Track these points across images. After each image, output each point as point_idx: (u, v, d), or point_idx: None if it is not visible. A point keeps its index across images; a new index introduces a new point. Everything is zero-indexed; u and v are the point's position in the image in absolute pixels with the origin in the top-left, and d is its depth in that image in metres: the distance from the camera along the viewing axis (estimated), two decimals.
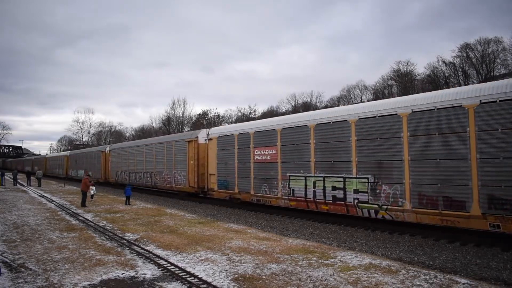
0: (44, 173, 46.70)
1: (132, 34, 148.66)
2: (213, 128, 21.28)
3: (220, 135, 19.15)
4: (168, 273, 7.43)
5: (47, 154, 76.32)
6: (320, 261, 8.10)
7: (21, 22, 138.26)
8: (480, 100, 9.33)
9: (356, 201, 12.10)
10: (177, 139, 24.02)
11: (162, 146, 25.27)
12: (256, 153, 16.56)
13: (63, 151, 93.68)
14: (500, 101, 8.99)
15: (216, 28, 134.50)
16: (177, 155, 23.35)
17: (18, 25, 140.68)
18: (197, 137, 21.48)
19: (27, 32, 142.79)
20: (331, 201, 12.97)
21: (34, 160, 74.45)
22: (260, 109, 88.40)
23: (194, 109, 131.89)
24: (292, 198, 14.49)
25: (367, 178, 11.78)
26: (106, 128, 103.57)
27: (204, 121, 71.88)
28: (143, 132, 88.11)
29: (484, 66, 47.18)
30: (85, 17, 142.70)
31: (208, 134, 20.35)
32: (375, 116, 11.69)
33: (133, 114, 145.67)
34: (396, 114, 11.12)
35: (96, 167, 37.91)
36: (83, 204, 18.73)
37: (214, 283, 6.72)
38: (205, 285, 6.64)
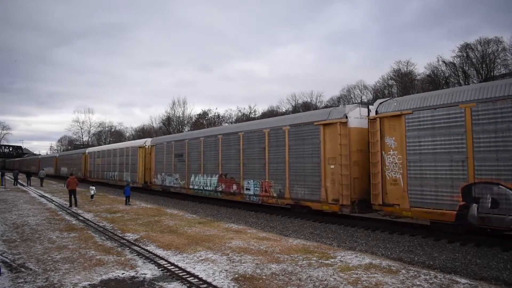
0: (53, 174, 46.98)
1: (129, 33, 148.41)
2: (89, 148, 36.31)
3: (157, 143, 26.68)
4: (168, 273, 7.43)
5: (58, 153, 71.95)
6: (320, 261, 8.10)
7: (17, 21, 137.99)
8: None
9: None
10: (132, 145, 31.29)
11: (116, 151, 33.31)
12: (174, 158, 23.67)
13: (63, 150, 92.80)
14: None
15: (213, 27, 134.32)
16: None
17: (14, 24, 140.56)
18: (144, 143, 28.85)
19: (24, 31, 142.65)
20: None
21: (42, 159, 69.16)
22: (260, 109, 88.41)
23: (194, 109, 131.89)
24: (189, 188, 21.65)
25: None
26: (106, 128, 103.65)
27: (204, 121, 71.88)
28: (143, 132, 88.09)
29: (484, 66, 47.14)
30: (81, 16, 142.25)
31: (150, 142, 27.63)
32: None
33: (132, 114, 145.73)
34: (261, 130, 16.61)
35: (130, 167, 30.24)
36: (76, 204, 18.72)
37: (214, 283, 6.72)
38: (205, 285, 6.64)
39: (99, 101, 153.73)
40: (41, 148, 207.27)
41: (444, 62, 49.79)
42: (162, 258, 8.46)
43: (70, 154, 52.43)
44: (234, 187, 17.78)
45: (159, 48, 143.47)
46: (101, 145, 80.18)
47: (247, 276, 7.09)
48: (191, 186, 21.23)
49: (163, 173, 24.58)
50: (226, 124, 65.04)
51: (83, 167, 42.88)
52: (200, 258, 8.47)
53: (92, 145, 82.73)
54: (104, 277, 7.17)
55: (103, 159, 36.68)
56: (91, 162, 40.63)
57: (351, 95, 64.72)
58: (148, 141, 28.08)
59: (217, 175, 18.99)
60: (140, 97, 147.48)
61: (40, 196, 25.18)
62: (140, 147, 28.13)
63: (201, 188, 20.32)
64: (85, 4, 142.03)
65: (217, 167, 19.11)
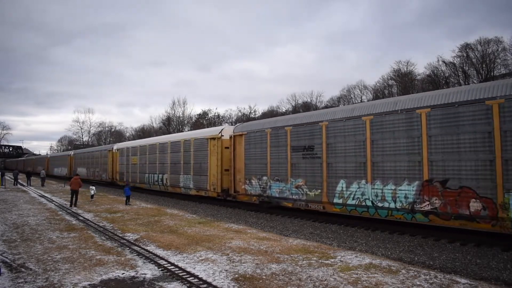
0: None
1: (128, 32, 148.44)
2: (118, 144, 33.10)
3: (123, 147, 28.38)
4: (168, 273, 7.43)
5: (72, 150, 58.64)
6: (320, 261, 8.10)
7: (14, 20, 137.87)
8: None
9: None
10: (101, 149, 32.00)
11: (165, 146, 25.05)
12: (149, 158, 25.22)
13: (67, 150, 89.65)
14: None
15: (212, 27, 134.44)
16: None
17: (11, 23, 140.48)
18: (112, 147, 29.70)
19: (21, 30, 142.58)
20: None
21: (51, 159, 61.40)
22: (260, 109, 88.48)
23: (194, 109, 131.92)
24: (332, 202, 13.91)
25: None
26: (106, 128, 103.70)
27: (204, 121, 71.90)
28: (143, 132, 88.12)
29: (484, 66, 47.16)
30: (79, 15, 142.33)
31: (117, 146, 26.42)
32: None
33: (131, 114, 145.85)
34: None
35: (192, 168, 21.21)
36: (75, 204, 18.71)
37: (214, 283, 6.72)
38: (205, 285, 6.64)
39: (98, 101, 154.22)
40: (41, 148, 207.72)
41: (444, 62, 49.87)
42: (162, 258, 8.46)
43: (90, 152, 42.33)
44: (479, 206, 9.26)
45: (158, 48, 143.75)
46: (101, 145, 79.59)
47: (247, 276, 7.09)
48: (338, 200, 12.72)
49: (265, 177, 15.87)
50: (226, 123, 64.97)
51: (109, 167, 34.17)
52: (200, 258, 8.47)
53: (118, 142, 69.37)
54: (104, 277, 7.17)
55: (142, 157, 27.82)
56: (122, 161, 31.55)
57: (351, 95, 64.81)
58: (228, 129, 19.32)
59: (418, 182, 10.53)
60: (139, 97, 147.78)
61: (40, 196, 25.18)
62: (212, 138, 19.48)
63: (377, 203, 11.55)
64: (83, 3, 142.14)
65: (417, 166, 10.56)
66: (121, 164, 31.96)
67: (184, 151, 22.00)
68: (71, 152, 50.33)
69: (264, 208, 16.68)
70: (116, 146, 35.17)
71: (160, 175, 25.07)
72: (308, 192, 13.85)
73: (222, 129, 19.50)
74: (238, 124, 19.04)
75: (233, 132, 18.19)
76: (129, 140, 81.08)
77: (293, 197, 14.50)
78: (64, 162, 50.86)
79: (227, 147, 18.62)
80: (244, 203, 17.87)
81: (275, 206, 15.94)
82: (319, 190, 13.37)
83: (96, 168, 38.29)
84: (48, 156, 66.62)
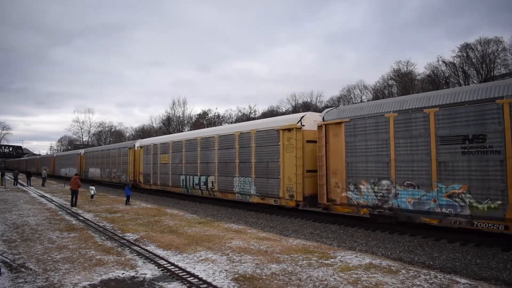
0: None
1: (127, 32, 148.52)
2: (142, 140, 29.90)
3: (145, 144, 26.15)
4: (168, 273, 7.43)
5: (83, 149, 51.20)
6: (320, 261, 8.11)
7: (14, 20, 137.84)
8: None
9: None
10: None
11: (210, 141, 19.96)
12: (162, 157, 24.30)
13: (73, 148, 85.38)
14: None
15: (212, 27, 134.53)
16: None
17: (11, 23, 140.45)
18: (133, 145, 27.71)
19: (21, 30, 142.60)
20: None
21: (57, 158, 56.00)
22: (260, 109, 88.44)
23: (194, 109, 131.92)
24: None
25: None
26: (106, 128, 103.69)
27: (204, 121, 71.91)
28: (143, 132, 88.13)
29: (484, 66, 47.18)
30: (79, 15, 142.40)
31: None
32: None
33: (131, 114, 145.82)
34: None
35: (265, 168, 15.88)
36: (75, 204, 18.71)
37: (214, 283, 6.72)
38: (205, 285, 6.64)
39: (97, 101, 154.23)
40: (41, 148, 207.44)
41: (444, 62, 49.89)
42: (162, 258, 8.46)
43: (105, 150, 36.89)
44: None
45: (157, 48, 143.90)
46: (101, 145, 79.10)
47: (247, 276, 7.10)
48: None
49: (385, 181, 11.42)
50: (226, 123, 64.89)
51: (130, 167, 29.52)
52: (200, 258, 8.47)
53: (137, 139, 53.47)
54: (104, 277, 7.17)
55: (176, 155, 22.99)
56: (147, 161, 26.82)
57: (351, 95, 64.82)
58: (311, 116, 14.98)
59: None
60: (139, 97, 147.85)
61: (40, 196, 25.17)
62: (286, 129, 14.79)
63: None
64: (83, 3, 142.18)
65: None
66: (146, 164, 27.01)
67: (241, 147, 17.32)
68: (81, 151, 45.86)
69: (263, 207, 16.50)
70: (138, 142, 29.71)
71: (203, 178, 20.08)
72: (474, 204, 9.38)
73: (302, 117, 14.68)
74: (330, 108, 14.00)
75: (323, 120, 13.43)
76: (129, 140, 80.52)
77: (443, 210, 9.98)
78: (73, 161, 46.00)
79: (310, 141, 14.23)
80: (285, 208, 15.23)
81: (402, 222, 11.35)
82: (498, 202, 8.98)
83: (112, 168, 33.51)
84: (54, 155, 61.08)
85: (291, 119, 15.17)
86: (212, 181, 19.26)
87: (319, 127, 13.48)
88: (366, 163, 11.91)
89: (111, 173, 33.71)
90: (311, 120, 14.55)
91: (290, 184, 14.46)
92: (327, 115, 13.46)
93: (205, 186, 19.84)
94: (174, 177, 23.14)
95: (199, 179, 20.42)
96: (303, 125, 14.39)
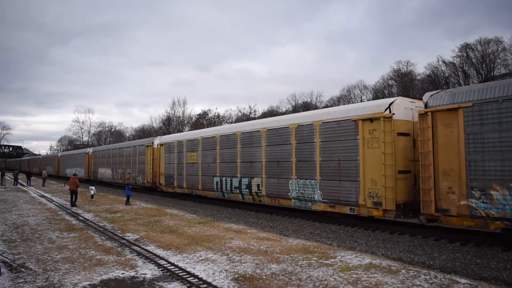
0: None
1: (127, 32, 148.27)
2: (163, 137, 26.14)
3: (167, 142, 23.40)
4: (168, 273, 7.43)
5: (91, 148, 47.08)
6: (320, 261, 8.11)
7: (13, 19, 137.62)
8: None
9: None
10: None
11: (255, 136, 16.67)
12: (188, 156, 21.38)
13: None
14: None
15: (211, 26, 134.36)
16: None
17: (11, 23, 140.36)
18: (152, 142, 25.35)
19: (20, 30, 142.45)
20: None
21: (62, 158, 52.62)
22: (260, 109, 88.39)
23: (194, 109, 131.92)
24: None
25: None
26: (106, 128, 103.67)
27: (204, 121, 71.90)
28: (143, 132, 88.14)
29: (484, 66, 47.19)
30: (79, 15, 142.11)
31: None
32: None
33: (131, 114, 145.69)
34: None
35: (337, 168, 12.81)
36: (74, 204, 18.70)
37: (214, 283, 6.72)
38: (205, 285, 6.64)
39: (97, 101, 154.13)
40: (41, 148, 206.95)
41: (444, 62, 49.90)
42: (162, 258, 8.46)
43: (117, 149, 33.24)
44: None
45: (157, 48, 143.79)
46: (101, 145, 78.65)
47: (247, 276, 7.10)
48: None
49: None
50: (226, 123, 64.88)
51: (148, 168, 26.36)
52: (200, 258, 8.47)
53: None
54: (104, 277, 7.17)
55: (208, 153, 19.66)
56: (170, 160, 23.46)
57: (351, 95, 64.81)
58: (402, 102, 11.86)
59: None
60: (138, 97, 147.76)
61: (40, 196, 25.18)
62: (367, 119, 11.88)
63: None
64: (83, 3, 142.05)
65: None
66: (169, 164, 23.67)
67: (299, 143, 14.27)
68: (90, 150, 42.58)
69: (263, 207, 16.56)
70: (158, 139, 26.18)
71: (245, 180, 16.88)
72: None
73: (391, 103, 11.57)
74: (434, 92, 10.73)
75: (427, 107, 10.45)
76: (129, 140, 80.00)
77: None
78: (80, 161, 42.71)
79: (402, 133, 11.48)
80: (365, 219, 12.76)
81: None
82: None
83: (126, 169, 30.13)
84: (59, 155, 56.85)
85: (375, 106, 12.03)
86: (258, 184, 16.10)
87: (421, 115, 10.42)
88: (501, 161, 8.82)
89: (125, 174, 30.34)
90: (401, 108, 11.59)
91: (374, 188, 11.61)
92: (433, 100, 10.32)
93: (247, 190, 16.65)
94: (205, 179, 19.81)
95: (240, 181, 17.14)
96: (394, 114, 11.33)
